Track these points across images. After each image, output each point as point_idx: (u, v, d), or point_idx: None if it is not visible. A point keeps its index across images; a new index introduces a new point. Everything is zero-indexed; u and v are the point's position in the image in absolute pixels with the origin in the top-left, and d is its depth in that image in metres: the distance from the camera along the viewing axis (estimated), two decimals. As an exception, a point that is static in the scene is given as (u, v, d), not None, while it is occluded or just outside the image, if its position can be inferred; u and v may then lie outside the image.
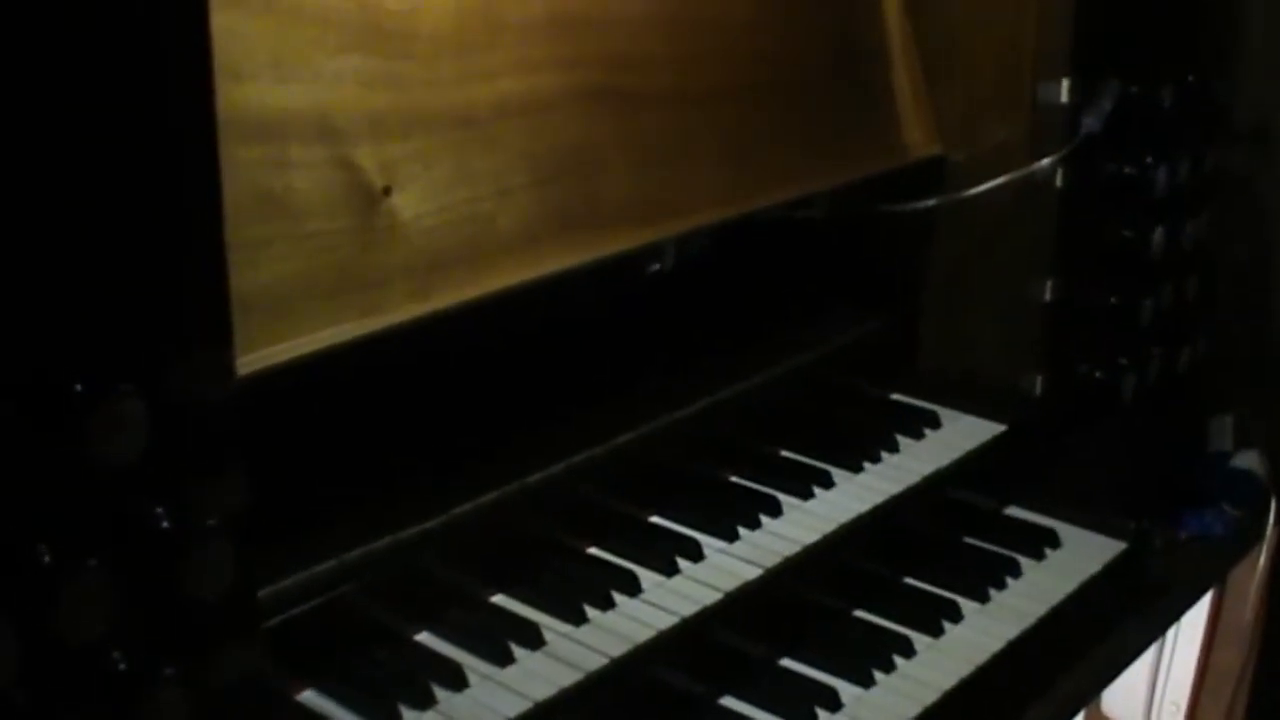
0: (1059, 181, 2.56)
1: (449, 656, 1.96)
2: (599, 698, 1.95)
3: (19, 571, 1.27)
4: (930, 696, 2.10)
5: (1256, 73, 3.00)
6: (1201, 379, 3.03)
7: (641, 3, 2.18)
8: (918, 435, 2.60)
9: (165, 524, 1.36)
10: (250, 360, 1.61)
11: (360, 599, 1.93)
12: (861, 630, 2.26)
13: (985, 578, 2.37)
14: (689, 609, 2.08)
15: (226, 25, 1.58)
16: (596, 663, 1.96)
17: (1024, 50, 2.57)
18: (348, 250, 1.77)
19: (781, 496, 2.34)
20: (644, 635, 2.02)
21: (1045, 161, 2.54)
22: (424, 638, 2.00)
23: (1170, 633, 2.91)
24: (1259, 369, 3.17)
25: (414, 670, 1.92)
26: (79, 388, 1.28)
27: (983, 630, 2.26)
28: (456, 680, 1.90)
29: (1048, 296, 2.61)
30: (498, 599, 2.09)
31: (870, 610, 2.30)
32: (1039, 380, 2.65)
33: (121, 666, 1.35)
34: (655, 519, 2.30)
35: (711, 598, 2.11)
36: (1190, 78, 2.78)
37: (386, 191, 1.82)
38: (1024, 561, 2.44)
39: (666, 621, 2.05)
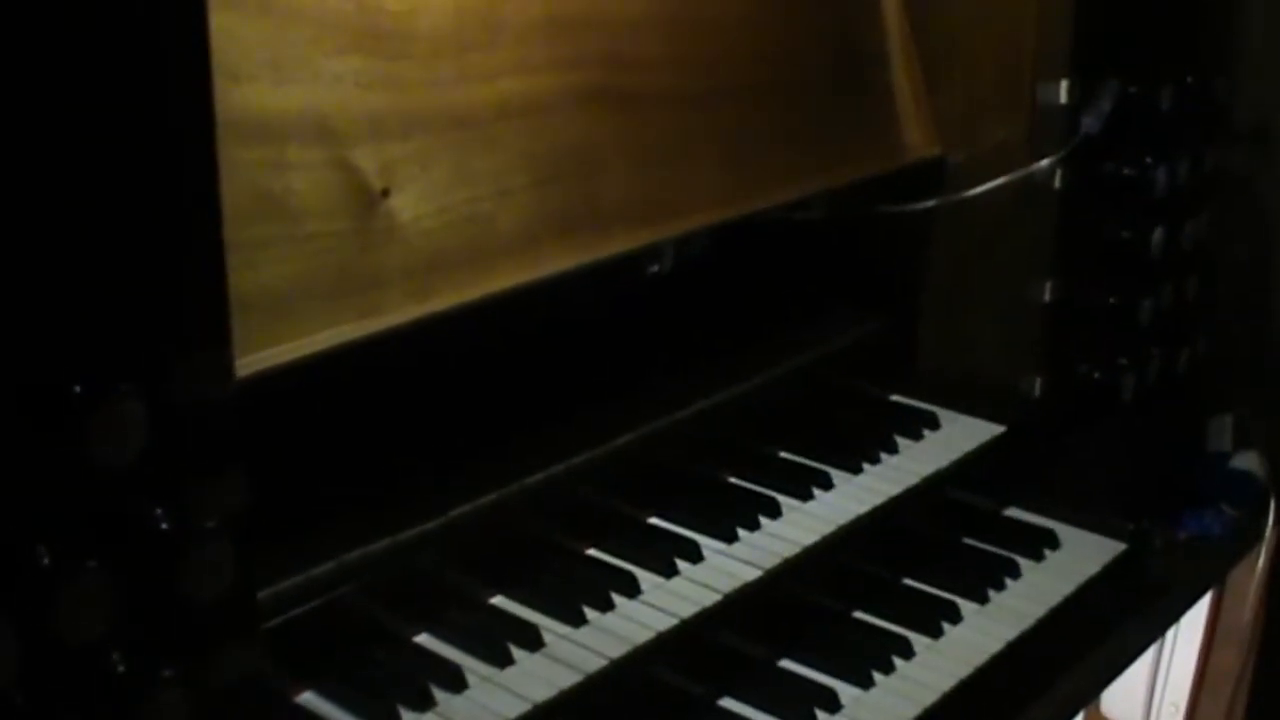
0: (1058, 182, 2.56)
1: (448, 658, 1.96)
2: (598, 699, 1.94)
3: (18, 572, 1.26)
4: (929, 698, 2.10)
5: (1256, 72, 3.00)
6: (1201, 379, 3.03)
7: (641, 3, 2.18)
8: (917, 436, 2.60)
9: (164, 525, 1.36)
10: (249, 361, 1.61)
11: (359, 600, 1.93)
12: (860, 631, 2.26)
13: (984, 579, 2.37)
14: (688, 610, 2.08)
15: (225, 26, 1.58)
16: (596, 664, 1.96)
17: (1023, 51, 2.57)
18: (347, 251, 1.77)
19: (780, 498, 2.34)
20: (643, 636, 2.02)
21: (1044, 162, 2.54)
22: (423, 639, 2.00)
23: (1169, 633, 2.91)
24: (1258, 369, 3.17)
25: (413, 672, 1.92)
26: (78, 389, 1.28)
27: (982, 631, 2.26)
28: (456, 682, 1.90)
29: (1047, 297, 2.61)
30: (497, 600, 2.09)
31: (869, 611, 2.30)
32: (1038, 381, 2.65)
33: (121, 668, 1.34)
34: (654, 520, 2.30)
35: (710, 599, 2.11)
36: (1189, 78, 2.78)
37: (385, 193, 1.82)
38: (1023, 562, 2.44)
39: (665, 623, 2.05)
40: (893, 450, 2.54)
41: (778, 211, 2.44)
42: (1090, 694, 2.65)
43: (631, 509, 2.29)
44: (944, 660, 2.19)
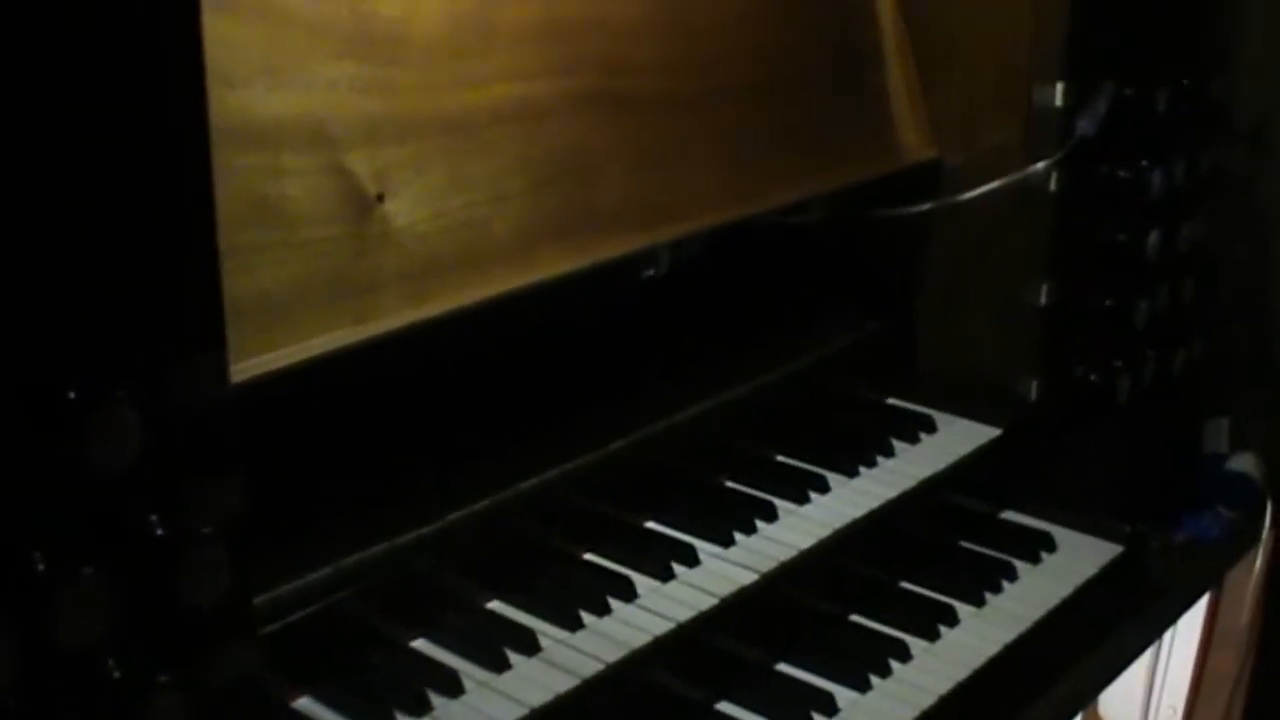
0: (1054, 185, 2.56)
1: (445, 663, 1.95)
2: (595, 704, 1.94)
3: (14, 577, 1.26)
4: (926, 701, 2.09)
5: (1253, 74, 3.01)
6: (1197, 381, 3.03)
7: (635, 7, 2.18)
8: (913, 439, 2.60)
9: (160, 530, 1.36)
10: (245, 367, 1.61)
11: (356, 605, 1.93)
12: (858, 635, 2.26)
13: (981, 582, 2.37)
14: (685, 614, 2.08)
15: (220, 32, 1.58)
16: (592, 669, 1.95)
17: (1019, 54, 2.57)
18: (342, 256, 1.77)
19: (777, 501, 2.34)
20: (640, 641, 2.02)
21: (1040, 165, 2.54)
22: (420, 644, 2.00)
23: (1167, 636, 2.91)
24: (1255, 371, 3.18)
25: (410, 677, 1.92)
26: (73, 394, 1.28)
27: (979, 634, 2.26)
28: (452, 687, 1.90)
29: (1043, 299, 2.61)
30: (493, 605, 2.09)
31: (866, 615, 2.30)
32: (1034, 383, 2.65)
33: (117, 673, 1.35)
34: (651, 524, 2.30)
35: (707, 603, 2.10)
36: (1185, 80, 2.78)
37: (380, 198, 1.82)
38: (1020, 565, 2.44)
39: (662, 627, 2.05)
40: (889, 454, 2.54)
41: (774, 215, 2.44)
42: (1088, 697, 2.65)
43: (628, 513, 2.29)
44: (941, 663, 2.19)
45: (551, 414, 2.22)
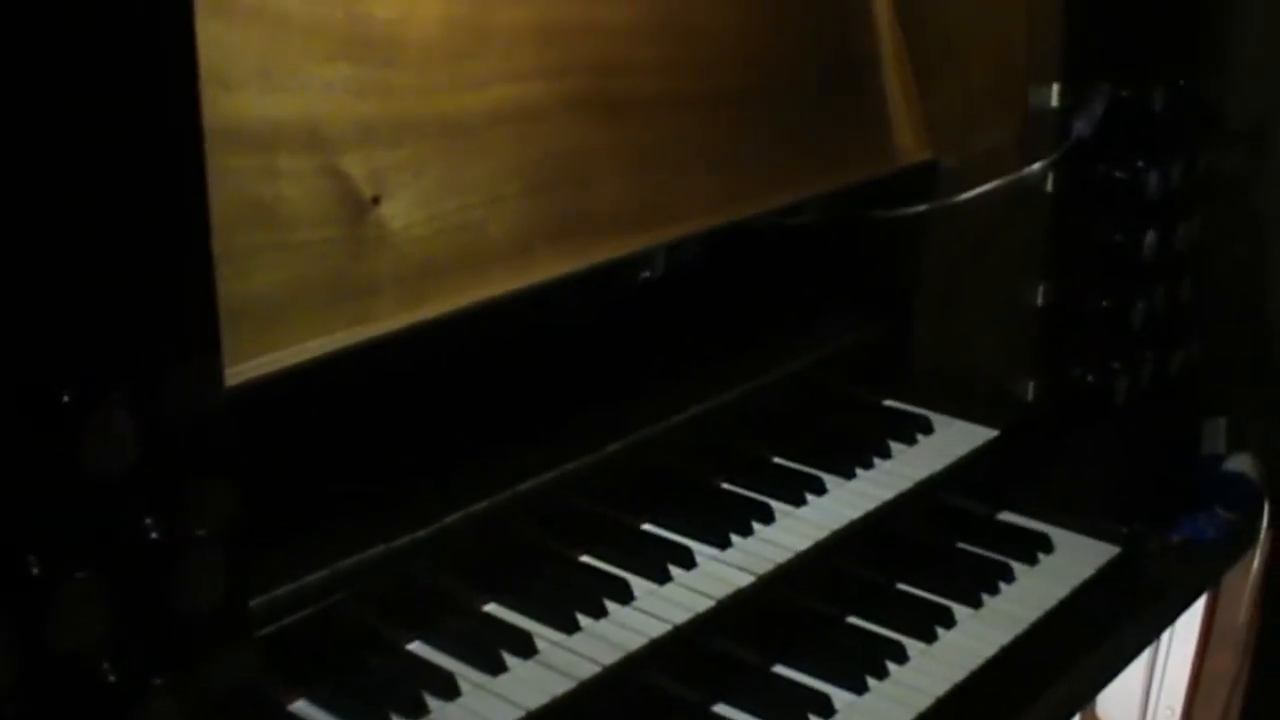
0: (1050, 186, 2.56)
1: (441, 665, 1.95)
2: (592, 706, 1.94)
3: (10, 580, 1.26)
4: (924, 702, 2.09)
5: (1249, 74, 3.01)
6: (1195, 382, 3.03)
7: (631, 10, 2.18)
8: (910, 441, 2.60)
9: (155, 534, 1.36)
10: (240, 370, 1.61)
11: (352, 608, 1.93)
12: (855, 637, 2.26)
13: (978, 583, 2.37)
14: (681, 616, 2.07)
15: (215, 34, 1.58)
16: (589, 671, 1.95)
17: (1015, 55, 2.57)
18: (338, 259, 1.77)
19: (774, 503, 2.34)
20: (636, 643, 2.01)
21: (1036, 166, 2.54)
22: (416, 647, 2.00)
23: (1164, 636, 2.91)
24: (1252, 372, 3.17)
25: (406, 679, 1.91)
26: (67, 398, 1.28)
27: (976, 636, 2.26)
28: (449, 689, 1.90)
29: (1040, 300, 2.61)
30: (490, 607, 2.09)
31: (863, 616, 2.30)
32: (1031, 384, 2.65)
33: (112, 676, 1.35)
34: (647, 526, 2.30)
35: (704, 605, 2.10)
36: (1182, 80, 2.78)
37: (376, 200, 1.81)
38: (1017, 566, 2.44)
39: (659, 629, 2.05)
40: (886, 455, 2.54)
41: (770, 216, 2.44)
42: (1085, 698, 2.64)
43: (625, 515, 2.29)
44: (938, 665, 2.19)
45: (548, 416, 2.22)
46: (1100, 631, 2.36)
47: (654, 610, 2.08)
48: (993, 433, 2.64)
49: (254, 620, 1.54)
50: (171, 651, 1.40)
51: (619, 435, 2.26)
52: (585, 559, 2.21)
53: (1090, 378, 2.74)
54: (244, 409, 1.48)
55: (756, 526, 2.29)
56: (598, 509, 2.26)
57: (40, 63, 1.23)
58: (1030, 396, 2.65)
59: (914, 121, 2.66)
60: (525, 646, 1.98)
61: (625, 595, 2.10)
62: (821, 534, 2.29)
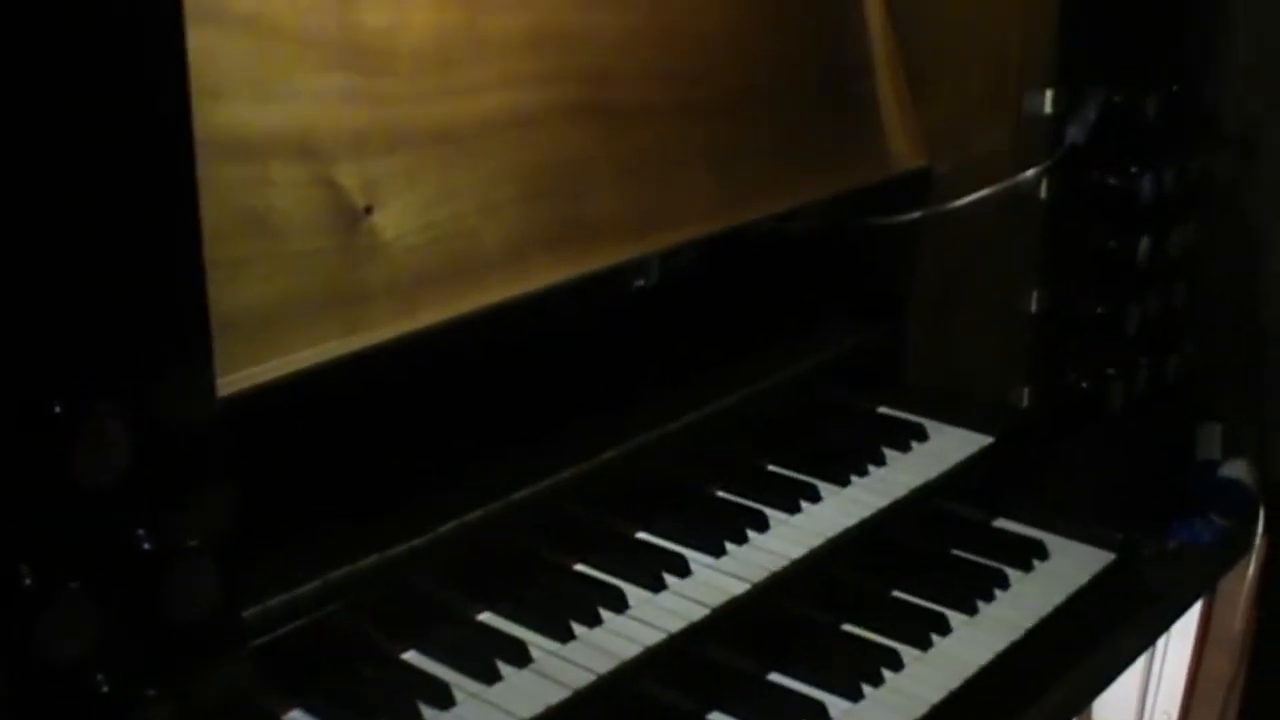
0: (1044, 192, 2.56)
1: (436, 675, 1.95)
2: (586, 715, 1.94)
3: (1, 592, 1.26)
4: (919, 710, 2.09)
5: (1243, 79, 3.01)
6: (1189, 388, 3.03)
7: (625, 17, 2.18)
8: (904, 448, 2.60)
9: (148, 545, 1.36)
10: (233, 379, 1.60)
11: (346, 618, 1.92)
12: (849, 644, 2.26)
13: (973, 590, 2.37)
14: (676, 625, 2.07)
15: (206, 44, 1.58)
16: (584, 680, 1.95)
17: (1009, 61, 2.57)
18: (331, 268, 1.77)
19: (768, 511, 2.34)
20: (631, 652, 2.01)
21: (1030, 172, 2.54)
22: (410, 656, 2.00)
23: (1160, 642, 2.91)
24: (1247, 377, 3.17)
25: (400, 689, 1.91)
26: (59, 408, 1.28)
27: (971, 643, 2.26)
28: (443, 699, 1.89)
29: (1034, 307, 2.61)
30: (484, 617, 2.08)
31: (858, 624, 2.30)
32: (1026, 391, 2.65)
33: (105, 688, 1.34)
34: (642, 535, 2.29)
35: (699, 613, 2.10)
36: (1175, 86, 2.78)
37: (369, 209, 1.81)
38: (1012, 573, 2.44)
39: (654, 638, 2.04)
40: (880, 462, 2.54)
41: (764, 223, 2.44)
42: (1081, 704, 2.65)
43: (619, 524, 2.29)
44: (933, 672, 2.19)
45: (542, 424, 2.22)
46: (1096, 638, 2.36)
47: (649, 619, 2.08)
48: (987, 439, 2.64)
49: (248, 630, 1.54)
50: (165, 662, 1.40)
51: (612, 443, 2.26)
52: (580, 567, 2.20)
53: (1085, 384, 2.74)
54: (236, 419, 1.48)
55: (751, 534, 2.29)
56: (592, 517, 2.25)
57: (30, 73, 1.23)
58: (1025, 403, 2.65)
59: (908, 128, 2.66)
60: (520, 655, 1.98)
61: (620, 604, 2.10)
62: (816, 541, 2.29)
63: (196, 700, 1.43)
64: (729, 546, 2.25)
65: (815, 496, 2.40)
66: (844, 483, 2.46)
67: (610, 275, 2.16)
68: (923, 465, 2.55)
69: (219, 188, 1.62)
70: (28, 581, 1.27)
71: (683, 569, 2.18)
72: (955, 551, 2.52)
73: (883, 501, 2.42)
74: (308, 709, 1.87)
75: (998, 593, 2.39)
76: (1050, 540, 2.55)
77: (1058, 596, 2.40)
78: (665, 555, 2.21)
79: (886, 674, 2.16)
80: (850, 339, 2.72)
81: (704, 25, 2.31)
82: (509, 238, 1.98)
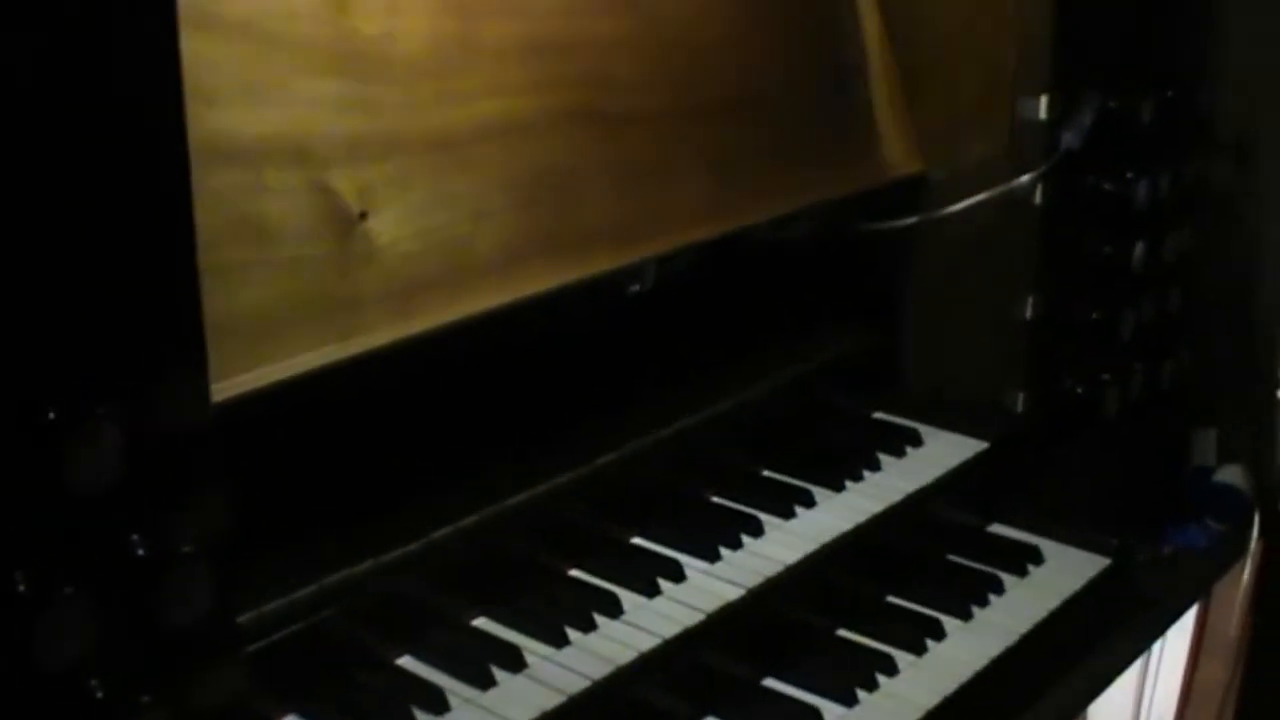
0: (1039, 197, 2.56)
1: (430, 680, 1.95)
2: (581, 720, 1.94)
3: (-5, 599, 1.27)
4: (913, 715, 2.09)
5: (1237, 85, 3.01)
6: (1184, 393, 3.03)
7: (619, 24, 2.18)
8: (900, 453, 2.60)
9: (142, 550, 1.36)
10: (228, 385, 1.60)
11: (341, 623, 1.92)
12: (844, 649, 2.26)
13: (968, 595, 2.37)
14: (671, 630, 2.07)
15: (200, 51, 1.58)
16: (578, 685, 1.95)
17: (1003, 67, 2.58)
18: (326, 274, 1.77)
19: (763, 516, 2.34)
20: (626, 657, 2.01)
21: (1025, 178, 2.55)
22: (405, 661, 2.00)
23: (1156, 647, 2.91)
24: (1242, 382, 3.17)
25: (395, 694, 1.91)
26: (53, 414, 1.28)
27: (966, 648, 2.26)
28: (438, 704, 1.90)
29: (1029, 312, 2.61)
30: (479, 622, 2.08)
31: (853, 629, 2.30)
32: (1021, 396, 2.65)
33: (100, 694, 1.34)
34: (636, 540, 2.29)
35: (693, 618, 2.10)
36: (1170, 91, 2.78)
37: (364, 215, 1.81)
38: (1007, 578, 2.44)
39: (648, 643, 2.04)
40: (876, 467, 2.54)
41: (759, 229, 2.44)
42: (1076, 709, 2.64)
43: (614, 529, 2.29)
44: (928, 677, 2.18)
45: (537, 430, 2.22)
46: (1091, 643, 2.36)
47: (643, 624, 2.08)
48: (982, 445, 2.64)
49: (243, 636, 1.54)
50: (160, 668, 1.40)
51: (607, 449, 2.26)
52: (574, 573, 2.20)
53: (1080, 389, 2.74)
54: (231, 424, 1.48)
55: (745, 539, 2.29)
56: (587, 522, 2.26)
57: (25, 80, 1.23)
58: (1020, 408, 2.65)
59: (902, 134, 2.66)
60: (514, 661, 1.98)
61: (614, 609, 2.10)
62: (811, 547, 2.29)
63: (192, 705, 1.43)
64: (724, 552, 2.25)
65: (810, 502, 2.40)
66: (839, 488, 2.46)
67: (605, 280, 2.16)
68: (918, 470, 2.56)
69: (214, 193, 1.62)
70: (23, 587, 1.27)
71: (678, 574, 2.18)
72: (950, 557, 2.52)
73: (878, 507, 2.42)
74: (303, 714, 1.87)
75: (993, 598, 2.39)
76: (1045, 545, 2.55)
77: (1053, 602, 2.40)
78: (660, 560, 2.22)
79: (881, 679, 2.15)
80: (845, 344, 2.72)
81: (699, 32, 2.31)
82: (504, 243, 1.98)
